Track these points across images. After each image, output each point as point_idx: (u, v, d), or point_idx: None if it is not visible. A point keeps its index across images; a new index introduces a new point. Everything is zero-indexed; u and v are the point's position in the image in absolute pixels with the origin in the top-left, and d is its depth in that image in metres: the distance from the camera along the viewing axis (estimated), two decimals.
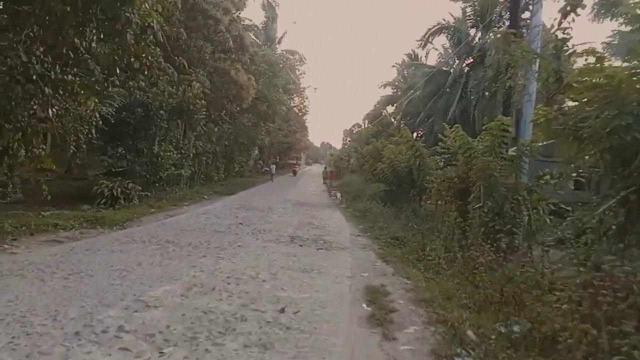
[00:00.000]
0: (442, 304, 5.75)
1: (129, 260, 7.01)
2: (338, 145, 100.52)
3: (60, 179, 19.98)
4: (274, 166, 49.54)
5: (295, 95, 59.26)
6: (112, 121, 15.60)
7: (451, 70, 38.00)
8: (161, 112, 16.35)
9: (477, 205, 8.88)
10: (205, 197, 19.82)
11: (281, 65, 37.14)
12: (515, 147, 9.43)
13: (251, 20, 38.81)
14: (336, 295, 6.06)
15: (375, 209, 16.35)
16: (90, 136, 12.30)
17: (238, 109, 26.36)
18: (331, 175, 38.75)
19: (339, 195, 26.92)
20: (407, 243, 10.34)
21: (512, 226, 8.46)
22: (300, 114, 63.62)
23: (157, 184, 17.94)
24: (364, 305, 5.75)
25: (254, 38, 37.46)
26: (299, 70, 58.50)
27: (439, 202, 13.01)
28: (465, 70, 36.26)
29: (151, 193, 17.25)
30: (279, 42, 52.41)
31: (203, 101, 18.22)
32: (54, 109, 9.29)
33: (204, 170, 25.43)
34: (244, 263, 7.54)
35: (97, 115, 11.99)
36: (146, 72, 11.72)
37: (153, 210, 14.24)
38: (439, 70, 39.67)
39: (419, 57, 49.22)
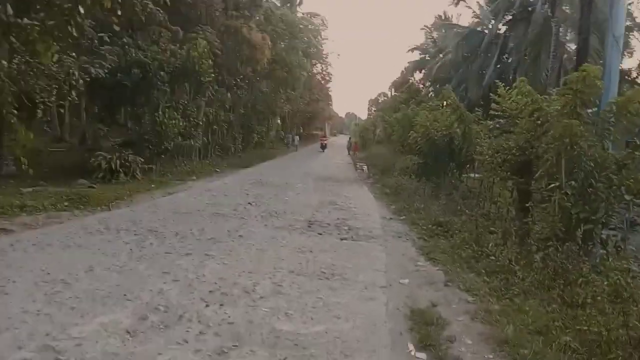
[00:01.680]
0: (537, 350, 3.61)
1: (79, 263, 5.06)
2: (363, 115, 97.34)
3: (73, 150, 18.26)
4: (298, 137, 47.50)
5: (317, 61, 56.46)
6: (105, 84, 13.73)
7: (486, 31, 34.77)
8: (161, 73, 14.27)
9: (552, 185, 6.59)
10: (217, 170, 17.93)
11: (301, 27, 34.41)
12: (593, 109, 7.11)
13: None
14: (367, 327, 4.00)
15: (409, 185, 14.14)
16: (70, 99, 10.43)
17: (253, 73, 24.11)
18: (355, 147, 37.87)
19: (365, 168, 24.69)
20: (455, 232, 8.16)
21: (605, 214, 6.26)
22: (323, 81, 60.83)
23: (163, 156, 16.08)
24: (411, 349, 3.68)
25: None
26: (321, 36, 55.53)
27: (488, 179, 10.73)
28: (503, 30, 33.02)
29: (156, 166, 15.42)
30: (300, 4, 49.47)
31: (210, 61, 16.07)
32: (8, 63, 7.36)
33: (218, 140, 23.50)
34: (240, 265, 5.52)
35: (76, 74, 10.06)
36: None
37: (153, 185, 12.37)
38: (472, 31, 36.30)
39: (450, 18, 45.78)
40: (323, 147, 43.20)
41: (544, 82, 27.16)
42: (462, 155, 13.55)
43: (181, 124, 15.81)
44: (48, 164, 14.90)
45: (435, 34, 50.05)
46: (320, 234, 7.84)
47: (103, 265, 5.03)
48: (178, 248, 6.04)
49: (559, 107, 6.65)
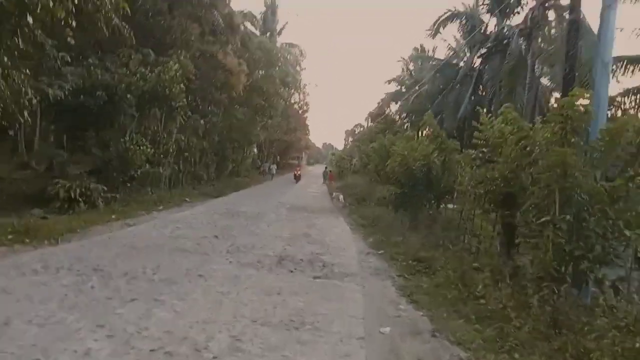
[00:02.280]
0: None
1: None
2: (340, 146, 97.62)
3: (38, 177, 17.06)
4: (275, 166, 46.93)
5: (295, 90, 56.47)
6: (67, 106, 12.89)
7: (462, 63, 35.26)
8: (128, 96, 13.51)
9: (543, 219, 6.06)
10: (187, 199, 17.02)
11: (279, 55, 34.22)
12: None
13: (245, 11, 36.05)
14: None
15: (386, 216, 13.55)
16: (23, 120, 9.57)
17: (228, 100, 23.50)
18: (331, 176, 38.47)
19: (341, 197, 24.10)
20: (438, 268, 7.51)
21: (602, 251, 5.72)
22: (300, 111, 60.75)
23: (129, 184, 15.16)
24: None
25: (251, 26, 34.74)
26: (300, 66, 55.75)
27: (469, 210, 10.21)
28: (478, 63, 33.50)
29: (121, 195, 14.48)
30: (279, 34, 49.67)
31: (182, 86, 15.41)
32: None
33: (190, 169, 22.64)
34: (194, 313, 4.72)
35: (29, 93, 9.24)
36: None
37: (114, 216, 11.43)
38: (448, 63, 36.81)
39: (427, 51, 46.57)
40: (297, 177, 38.90)
41: (520, 114, 27.40)
42: (441, 186, 13.10)
43: (149, 150, 14.98)
44: (8, 191, 13.85)
45: (412, 66, 50.87)
46: (292, 272, 7.09)
47: (24, 317, 4.17)
48: (123, 292, 5.19)
49: (548, 135, 6.18)
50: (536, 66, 23.13)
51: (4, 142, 22.70)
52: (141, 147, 14.64)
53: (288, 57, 49.98)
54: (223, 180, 26.85)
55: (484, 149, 8.57)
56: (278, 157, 64.98)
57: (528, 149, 6.84)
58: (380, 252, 9.33)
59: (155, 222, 10.95)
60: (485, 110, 22.36)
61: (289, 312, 5.03)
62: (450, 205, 14.84)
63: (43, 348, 3.56)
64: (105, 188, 13.35)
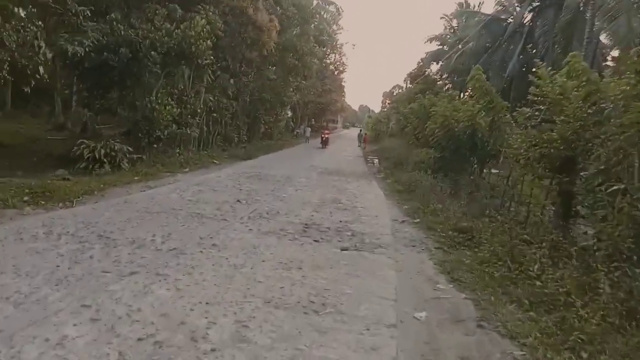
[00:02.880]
0: None
1: None
2: (377, 108, 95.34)
3: (72, 138, 16.89)
4: (309, 129, 45.92)
5: (331, 51, 54.76)
6: (90, 64, 12.40)
7: (510, 19, 32.80)
8: (152, 53, 12.85)
9: (614, 187, 5.08)
10: (215, 161, 16.54)
11: (314, 12, 32.71)
12: None
13: None
14: None
15: (424, 182, 12.58)
16: (38, 76, 9.07)
17: (260, 58, 22.60)
18: (366, 139, 39.35)
19: (376, 162, 23.15)
20: (482, 241, 6.64)
21: None
22: (336, 72, 59.11)
23: (155, 145, 14.74)
24: None
25: None
26: (337, 25, 53.80)
27: (520, 176, 9.17)
28: (529, 18, 31.02)
29: (147, 156, 14.10)
30: None
31: (209, 42, 14.61)
32: None
33: (220, 130, 22.12)
34: (198, 291, 4.09)
35: (42, 47, 8.70)
36: None
37: (136, 178, 11.03)
38: (495, 19, 34.32)
39: (472, 7, 43.75)
40: (324, 142, 32.97)
41: None
42: (487, 149, 12.02)
43: (176, 110, 14.42)
44: (40, 152, 13.75)
45: (455, 23, 48.08)
46: (317, 242, 6.38)
47: (1, 293, 3.63)
48: (124, 264, 4.62)
49: (627, 88, 5.08)
50: (596, 21, 21.02)
51: (43, 103, 22.88)
52: (167, 107, 14.09)
53: (324, 14, 48.25)
54: (255, 143, 26.28)
55: (540, 107, 7.48)
56: (313, 119, 64.05)
57: (598, 105, 5.76)
58: (416, 221, 8.49)
59: (177, 185, 10.44)
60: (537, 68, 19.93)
61: (308, 291, 4.34)
62: (493, 170, 13.75)
63: (9, 335, 2.99)
64: (131, 149, 12.98)
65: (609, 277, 4.39)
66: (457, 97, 17.95)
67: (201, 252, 5.28)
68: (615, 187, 5.03)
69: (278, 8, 26.34)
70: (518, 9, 32.45)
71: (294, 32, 28.16)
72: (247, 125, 26.31)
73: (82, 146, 11.94)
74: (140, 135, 13.97)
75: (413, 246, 6.71)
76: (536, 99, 7.47)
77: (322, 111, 60.58)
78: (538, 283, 4.68)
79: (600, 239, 5.20)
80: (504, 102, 9.86)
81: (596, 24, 20.38)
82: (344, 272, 5.08)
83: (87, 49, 11.63)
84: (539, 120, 7.56)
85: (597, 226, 5.15)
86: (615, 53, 23.49)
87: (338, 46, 56.98)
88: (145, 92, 14.37)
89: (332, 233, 7.00)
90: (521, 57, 29.69)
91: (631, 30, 19.03)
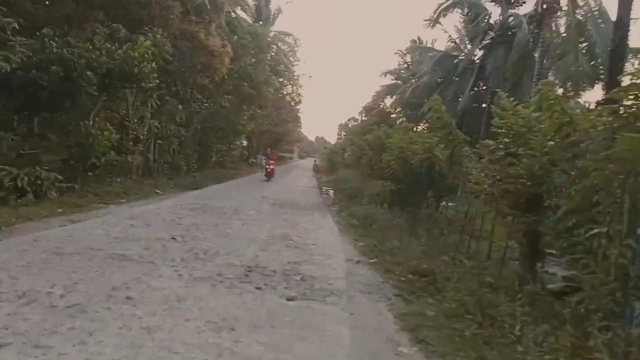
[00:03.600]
0: None
1: None
2: (333, 140, 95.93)
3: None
4: (265, 157, 45.22)
5: (287, 81, 54.64)
6: (15, 82, 11.14)
7: (462, 56, 33.69)
8: (88, 73, 11.72)
9: (594, 231, 4.53)
10: (158, 191, 15.30)
11: (270, 42, 32.33)
12: None
13: None
14: None
15: (380, 216, 11.93)
16: None
17: (212, 85, 21.76)
18: (319, 169, 42.42)
19: (331, 193, 22.50)
20: (446, 287, 5.93)
21: None
22: (293, 102, 58.93)
23: (90, 173, 13.41)
24: None
25: (242, 12, 32.86)
26: (294, 57, 53.87)
27: (482, 211, 8.65)
28: (480, 55, 31.90)
29: (80, 185, 12.77)
30: (273, 23, 47.70)
31: (153, 65, 13.63)
32: None
33: (167, 158, 20.88)
34: None
35: None
36: None
37: (60, 210, 9.74)
38: (448, 55, 35.25)
39: (425, 42, 44.91)
40: (269, 174, 26.07)
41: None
42: (445, 183, 11.56)
43: (114, 136, 13.21)
44: None
45: (409, 58, 49.22)
46: (259, 289, 5.45)
47: None
48: None
49: (608, 119, 4.56)
50: (545, 59, 21.64)
51: None
52: (104, 133, 12.89)
53: (281, 46, 48.23)
54: (206, 172, 25.09)
55: (505, 139, 6.99)
56: (269, 149, 63.22)
57: (571, 139, 5.26)
58: (373, 261, 7.71)
59: (106, 219, 9.24)
60: (487, 104, 20.44)
61: None
62: (450, 204, 13.33)
63: None
64: (60, 177, 11.68)
65: (603, 338, 3.72)
66: (411, 130, 17.70)
67: (109, 308, 4.23)
68: (595, 231, 4.46)
69: (234, 36, 25.79)
70: (470, 46, 33.48)
71: (249, 60, 27.59)
72: (198, 154, 25.17)
73: (1, 173, 10.58)
74: (72, 162, 12.67)
75: (369, 293, 5.89)
76: (500, 130, 6.99)
77: (279, 141, 59.90)
78: (519, 348, 3.93)
79: (579, 288, 4.60)
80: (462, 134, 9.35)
81: (545, 62, 20.93)
82: (288, 332, 4.17)
83: (13, 66, 10.44)
84: (502, 154, 7.06)
85: (579, 276, 4.51)
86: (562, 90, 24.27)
87: (295, 77, 57.06)
88: (81, 115, 13.15)
89: (278, 278, 6.09)
90: (472, 92, 30.36)
91: (578, 69, 19.62)
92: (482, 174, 7.21)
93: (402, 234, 9.92)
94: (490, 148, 7.14)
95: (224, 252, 7.20)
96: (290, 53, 52.64)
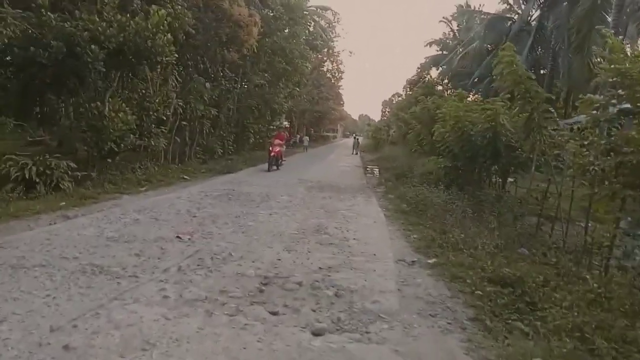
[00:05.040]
0: None
1: None
2: (377, 117, 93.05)
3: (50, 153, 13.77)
4: (307, 137, 44.04)
5: (327, 58, 52.48)
6: (12, 59, 9.96)
7: (515, 17, 30.46)
8: (92, 47, 10.33)
9: None
10: (185, 177, 13.98)
11: (307, 15, 30.24)
12: None
13: None
14: None
15: (435, 198, 9.99)
16: None
17: (242, 61, 20.12)
18: (358, 143, 41.73)
19: (376, 172, 20.60)
20: (542, 299, 4.07)
21: None
22: (333, 80, 56.76)
23: (109, 160, 12.21)
24: None
25: None
26: (333, 32, 51.47)
27: (592, 193, 6.61)
28: (538, 14, 28.60)
29: (98, 173, 11.61)
30: None
31: (169, 36, 12.12)
32: None
33: (201, 141, 19.61)
34: None
35: None
36: None
37: (63, 203, 8.49)
38: (498, 17, 32.06)
39: (473, 8, 41.47)
40: (272, 161, 17.99)
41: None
42: (515, 156, 9.52)
43: (130, 117, 11.87)
44: None
45: (455, 26, 45.82)
46: (274, 315, 3.82)
47: None
48: None
49: None
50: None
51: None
52: (119, 114, 11.58)
53: (320, 20, 46.05)
54: (243, 154, 23.75)
55: (619, 91, 4.92)
56: (312, 129, 61.54)
57: None
58: (432, 261, 5.89)
59: (110, 212, 7.85)
60: (549, 67, 17.53)
61: None
62: (509, 179, 11.30)
63: None
64: (74, 165, 10.52)
65: None
66: (465, 98, 15.48)
67: None
68: None
69: (265, 10, 24.03)
70: (524, 6, 30.14)
71: (283, 34, 25.80)
72: (234, 135, 23.81)
73: (8, 164, 9.50)
74: (86, 148, 11.49)
75: (433, 316, 4.11)
76: (611, 80, 4.92)
77: (320, 120, 58.14)
78: None
79: None
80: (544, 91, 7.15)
81: (623, 10, 17.88)
82: None
83: (7, 41, 9.21)
84: (615, 111, 5.00)
85: None
86: None
87: (335, 53, 54.79)
88: (95, 96, 11.90)
89: (304, 293, 4.42)
90: (529, 57, 27.25)
91: None
92: (585, 143, 5.17)
93: (465, 221, 8.00)
94: (598, 104, 5.07)
95: (237, 255, 5.59)
96: (329, 28, 50.37)
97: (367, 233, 7.41)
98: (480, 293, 4.58)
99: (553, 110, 6.81)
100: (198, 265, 5.06)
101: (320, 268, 5.25)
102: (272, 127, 32.61)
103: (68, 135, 11.72)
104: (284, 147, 19.28)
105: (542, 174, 10.00)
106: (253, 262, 5.33)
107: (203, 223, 7.34)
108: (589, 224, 6.24)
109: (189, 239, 6.22)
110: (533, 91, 6.74)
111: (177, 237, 6.25)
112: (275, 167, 17.54)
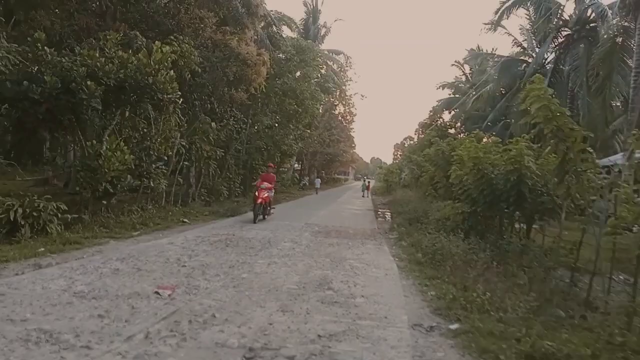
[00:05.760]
0: None
1: None
2: (389, 161, 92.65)
3: (54, 194, 13.09)
4: (319, 180, 43.78)
5: (338, 101, 52.60)
6: (8, 98, 9.47)
7: (530, 60, 30.12)
8: (89, 83, 9.85)
9: None
10: (185, 220, 13.20)
11: (317, 56, 30.23)
12: None
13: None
14: None
15: (451, 246, 9.03)
16: None
17: (251, 101, 19.77)
18: (368, 187, 43.13)
19: (388, 216, 19.66)
20: None
21: None
22: (345, 122, 56.72)
23: (104, 202, 11.55)
24: None
25: (289, 31, 31.25)
26: (345, 76, 51.86)
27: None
28: (552, 56, 28.22)
29: (91, 215, 10.91)
30: (322, 42, 46.08)
31: (171, 72, 11.68)
32: None
33: (207, 182, 19.01)
34: None
35: None
36: None
37: (42, 249, 7.71)
38: (512, 60, 31.76)
39: (485, 51, 41.49)
40: (259, 208, 14.24)
41: (624, 107, 21.98)
42: (540, 202, 8.62)
43: (128, 157, 11.24)
44: None
45: (468, 69, 45.78)
46: None
47: None
48: None
49: None
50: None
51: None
52: (116, 153, 10.97)
53: (332, 64, 46.45)
54: (250, 196, 23.02)
55: None
56: (322, 171, 61.11)
57: None
58: (454, 327, 4.92)
59: (89, 261, 7.02)
60: (567, 110, 15.74)
61: None
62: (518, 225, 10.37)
63: None
64: (64, 207, 9.82)
65: None
66: (482, 140, 14.72)
67: None
68: None
69: (276, 52, 24.00)
70: (537, 49, 29.85)
71: (293, 75, 25.65)
72: (242, 177, 23.22)
73: None
74: (78, 189, 10.84)
75: None
76: None
77: (331, 162, 57.73)
78: None
79: None
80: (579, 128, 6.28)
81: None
82: None
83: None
84: None
85: None
86: None
87: (347, 97, 55.03)
88: (92, 134, 11.38)
89: None
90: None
91: None
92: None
93: (490, 275, 7.03)
94: None
95: (222, 317, 4.69)
96: (341, 72, 50.76)
97: (377, 288, 6.45)
98: None
99: (592, 151, 5.94)
100: (171, 331, 4.17)
101: (319, 336, 4.32)
102: (281, 169, 32.11)
103: (61, 175, 11.13)
104: (273, 191, 15.92)
105: (570, 222, 9.07)
106: (239, 327, 4.42)
107: (191, 274, 6.47)
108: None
109: (169, 294, 5.35)
110: (567, 129, 5.90)
111: (156, 292, 5.38)
112: (262, 217, 14.43)
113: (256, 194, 14.19)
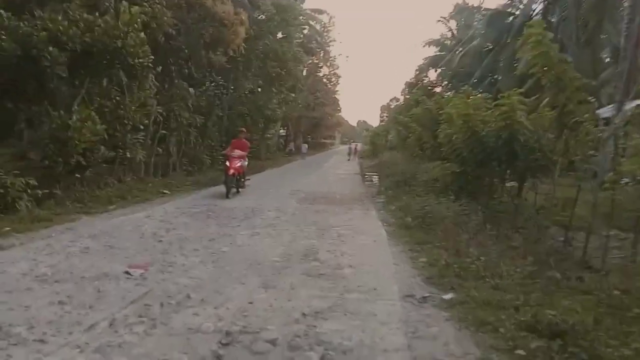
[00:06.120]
0: None
1: None
2: (375, 123, 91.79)
3: (29, 169, 12.04)
4: (306, 145, 43.02)
5: (323, 63, 51.42)
6: None
7: (517, 12, 29.36)
8: (51, 49, 9.12)
9: None
10: (165, 191, 12.68)
11: (299, 16, 29.08)
12: None
13: None
14: None
15: (441, 208, 8.73)
16: None
17: (231, 65, 18.93)
18: (355, 150, 44.56)
19: (376, 179, 19.34)
20: None
21: None
22: (330, 84, 55.64)
23: (78, 175, 10.98)
24: None
25: None
26: (328, 36, 50.48)
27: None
28: (541, 8, 27.45)
29: (63, 190, 10.36)
30: (304, 0, 44.46)
31: (142, 35, 10.92)
32: None
33: (188, 151, 18.37)
34: None
35: None
36: None
37: (7, 228, 7.19)
38: (499, 13, 30.91)
39: (471, 6, 40.48)
40: (231, 179, 12.28)
41: (614, 57, 21.50)
42: (533, 159, 8.29)
43: (99, 127, 10.60)
44: None
45: (454, 25, 44.72)
46: None
47: None
48: None
49: None
50: None
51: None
52: (87, 124, 10.33)
53: (315, 24, 45.02)
54: None
55: None
56: (308, 136, 60.36)
57: None
58: (448, 297, 4.60)
59: (57, 239, 6.55)
60: None
61: None
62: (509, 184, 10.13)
63: None
64: (34, 182, 9.25)
65: None
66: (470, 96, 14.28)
67: None
68: None
69: (256, 12, 22.95)
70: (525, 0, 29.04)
71: (275, 36, 24.67)
72: (224, 144, 22.56)
73: None
74: (48, 163, 10.24)
75: None
76: None
77: (316, 126, 56.95)
78: None
79: None
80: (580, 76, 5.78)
81: None
82: None
83: None
84: None
85: None
86: None
87: (331, 58, 53.80)
88: (61, 104, 10.67)
89: (279, 358, 3.15)
90: None
91: None
92: None
93: (483, 238, 6.74)
94: None
95: (197, 297, 4.31)
96: (325, 32, 49.38)
97: (365, 257, 6.12)
98: (523, 353, 3.30)
99: (593, 100, 5.52)
100: (139, 317, 3.77)
101: (304, 314, 3.96)
102: (266, 135, 31.40)
103: (30, 148, 10.50)
104: (247, 160, 13.75)
105: (562, 178, 8.81)
106: (215, 308, 4.04)
107: (167, 250, 6.06)
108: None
109: (141, 274, 4.94)
110: (567, 78, 5.43)
111: (126, 272, 4.96)
112: (235, 190, 12.60)
113: (227, 163, 12.43)
